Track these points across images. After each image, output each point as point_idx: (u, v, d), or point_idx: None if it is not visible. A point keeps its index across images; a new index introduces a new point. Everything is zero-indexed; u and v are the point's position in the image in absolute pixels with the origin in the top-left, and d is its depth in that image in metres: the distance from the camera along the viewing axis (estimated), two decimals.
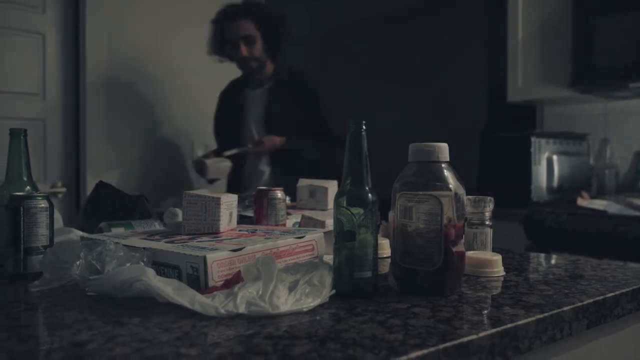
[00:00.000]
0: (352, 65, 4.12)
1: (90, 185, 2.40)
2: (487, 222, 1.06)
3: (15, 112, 2.32)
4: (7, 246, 0.90)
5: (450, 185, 0.81)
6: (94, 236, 0.96)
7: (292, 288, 0.74)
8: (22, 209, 0.89)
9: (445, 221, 0.79)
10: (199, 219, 0.97)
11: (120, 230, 1.09)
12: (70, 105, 2.50)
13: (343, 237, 0.81)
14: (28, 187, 1.01)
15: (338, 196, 0.81)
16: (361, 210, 0.79)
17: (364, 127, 0.81)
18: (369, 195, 0.80)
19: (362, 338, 0.61)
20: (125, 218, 1.21)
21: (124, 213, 1.25)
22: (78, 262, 0.79)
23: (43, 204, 0.91)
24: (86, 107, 2.45)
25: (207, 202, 0.97)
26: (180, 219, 1.13)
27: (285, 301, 0.71)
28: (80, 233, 1.08)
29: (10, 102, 2.33)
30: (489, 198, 1.06)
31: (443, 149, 0.83)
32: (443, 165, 0.83)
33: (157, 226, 1.13)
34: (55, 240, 0.95)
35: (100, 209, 1.27)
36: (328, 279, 0.77)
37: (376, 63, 3.87)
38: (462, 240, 0.83)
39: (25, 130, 1.03)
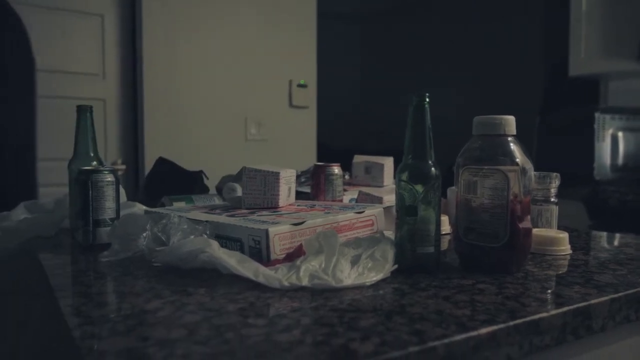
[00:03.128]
0: (409, 42, 4.05)
1: (148, 163, 2.46)
2: (552, 199, 1.02)
3: (76, 92, 2.40)
4: (77, 218, 0.94)
5: (517, 160, 0.78)
6: (158, 210, 0.98)
7: (354, 262, 0.74)
8: (90, 183, 0.92)
9: (511, 196, 0.77)
10: (258, 193, 0.98)
11: (181, 204, 1.11)
12: (129, 85, 2.56)
13: (405, 212, 0.79)
14: (95, 162, 1.05)
15: (400, 170, 0.80)
16: (423, 185, 0.78)
17: (427, 99, 0.79)
18: (432, 169, 0.78)
19: (429, 313, 0.60)
20: (185, 193, 1.24)
21: (184, 188, 1.28)
22: (144, 234, 0.81)
23: (110, 177, 0.94)
24: (144, 86, 2.51)
25: (267, 177, 0.98)
26: (238, 193, 1.14)
27: (348, 275, 0.70)
28: (143, 207, 1.11)
29: (72, 83, 2.40)
30: (554, 174, 1.03)
31: (510, 122, 0.80)
32: (509, 139, 0.80)
33: (217, 201, 1.14)
34: (121, 213, 0.98)
35: (161, 184, 1.30)
36: (390, 253, 0.76)
37: (432, 40, 3.79)
38: (529, 216, 0.80)
39: (91, 107, 1.06)
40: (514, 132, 0.80)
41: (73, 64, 2.42)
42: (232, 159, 2.42)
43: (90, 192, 0.92)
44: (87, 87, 2.44)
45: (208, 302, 0.63)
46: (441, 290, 0.69)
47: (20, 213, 1.16)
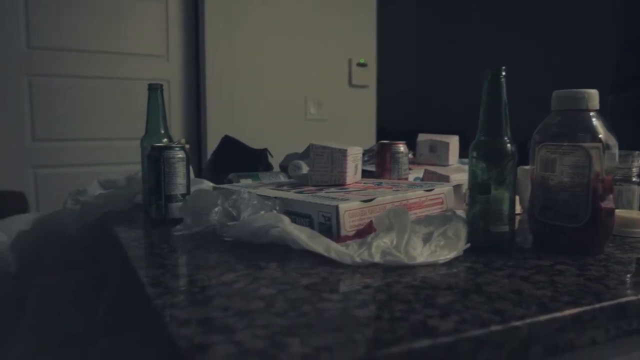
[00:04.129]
0: (470, 17, 3.93)
1: (210, 142, 2.51)
2: (634, 179, 0.97)
3: (142, 73, 2.47)
4: (150, 194, 0.97)
5: (600, 136, 0.74)
6: (226, 186, 1.00)
7: (426, 240, 0.73)
8: (162, 159, 0.94)
9: (592, 175, 0.73)
10: (325, 170, 0.97)
11: (248, 181, 1.13)
12: (192, 67, 2.61)
13: (478, 189, 0.77)
14: (165, 139, 1.07)
15: (473, 147, 0.77)
16: (498, 163, 0.75)
17: (503, 73, 0.76)
18: (508, 146, 0.76)
19: (507, 292, 0.58)
20: (250, 170, 1.25)
21: (249, 166, 1.30)
22: (216, 209, 0.82)
23: (180, 154, 0.96)
24: (206, 68, 2.55)
25: (334, 154, 0.97)
26: (304, 171, 1.14)
27: (421, 252, 0.69)
28: (210, 184, 1.13)
29: (138, 64, 2.47)
30: (637, 152, 0.97)
31: (593, 96, 0.76)
32: (592, 114, 0.76)
33: (282, 178, 1.15)
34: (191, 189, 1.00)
35: (226, 161, 1.32)
36: (463, 231, 0.75)
37: (504, 15, 3.66)
38: (611, 196, 0.76)
39: (162, 85, 1.08)
40: (597, 107, 0.76)
41: (139, 46, 2.48)
42: (292, 139, 2.44)
43: (162, 168, 0.94)
44: (152, 68, 2.50)
45: (281, 276, 0.64)
46: (517, 270, 0.67)
47: (95, 188, 1.21)
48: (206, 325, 0.49)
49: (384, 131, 2.98)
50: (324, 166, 0.97)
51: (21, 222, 1.19)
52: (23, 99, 2.22)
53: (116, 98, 2.40)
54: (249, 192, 0.86)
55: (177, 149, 0.96)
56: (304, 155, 1.28)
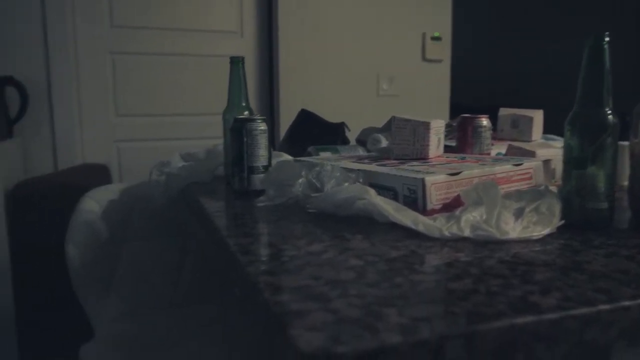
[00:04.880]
0: None
1: (283, 117, 2.53)
2: None
3: (216, 49, 2.51)
4: (232, 166, 0.98)
5: None
6: (307, 159, 1.00)
7: (517, 215, 0.70)
8: (244, 131, 0.95)
9: None
10: (407, 144, 0.95)
11: (327, 154, 1.12)
12: (265, 43, 2.62)
13: (573, 164, 0.73)
14: (246, 112, 1.08)
15: (571, 119, 0.73)
16: (597, 135, 0.70)
17: (606, 39, 0.71)
18: (610, 117, 0.71)
19: (611, 272, 0.55)
20: (327, 144, 1.25)
21: (326, 139, 1.29)
22: (300, 181, 0.82)
23: (262, 126, 0.97)
24: (279, 44, 2.55)
25: (416, 127, 0.95)
26: (383, 145, 1.13)
27: (513, 227, 0.66)
28: (289, 157, 1.14)
29: (213, 40, 2.51)
30: None
31: None
32: None
33: (361, 152, 1.14)
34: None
35: (303, 135, 1.32)
36: (557, 207, 0.71)
37: None
38: None
39: (243, 58, 1.09)
40: None
41: (214, 23, 2.51)
42: (364, 115, 2.42)
43: (245, 140, 0.95)
44: (227, 44, 2.53)
45: (369, 247, 0.63)
46: (620, 249, 0.63)
47: (177, 161, 1.25)
48: (300, 293, 0.49)
49: (457, 107, 2.89)
50: (406, 139, 0.95)
51: (110, 192, 1.25)
52: (107, 76, 2.31)
53: (193, 74, 2.45)
54: (331, 164, 0.85)
55: (259, 121, 0.96)
56: (384, 129, 1.26)
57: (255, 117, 0.97)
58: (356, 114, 2.38)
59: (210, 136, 2.32)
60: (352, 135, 1.44)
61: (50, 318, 1.74)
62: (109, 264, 1.18)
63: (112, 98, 2.32)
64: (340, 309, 0.45)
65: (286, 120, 2.30)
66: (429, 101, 2.86)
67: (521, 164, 0.86)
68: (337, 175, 0.82)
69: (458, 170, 0.80)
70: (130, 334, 1.09)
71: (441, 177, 0.76)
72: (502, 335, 0.42)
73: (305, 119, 1.34)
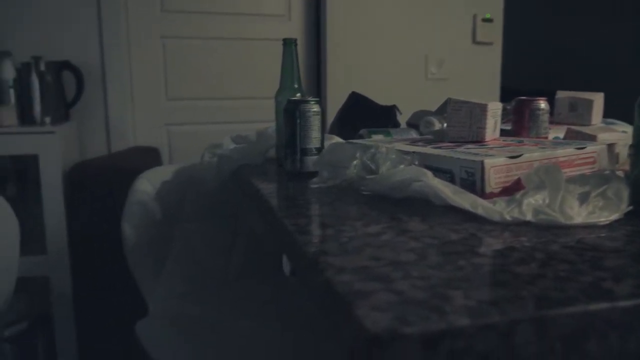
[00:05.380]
0: None
1: (330, 101, 2.52)
2: None
3: (265, 33, 2.51)
4: (285, 147, 0.98)
5: None
6: (360, 141, 0.99)
7: (582, 200, 0.67)
8: (298, 113, 0.95)
9: None
10: (463, 126, 0.93)
11: (379, 137, 1.11)
12: (313, 26, 2.61)
13: None
14: (299, 93, 1.08)
15: None
16: None
17: None
18: None
19: None
20: (378, 127, 1.23)
21: (376, 122, 1.28)
22: (354, 163, 0.82)
23: (316, 108, 0.96)
24: (327, 27, 2.54)
25: (473, 109, 0.93)
26: (436, 128, 1.11)
27: (578, 212, 0.64)
28: (340, 139, 1.13)
29: (261, 24, 2.51)
30: None
31: None
32: None
33: (414, 135, 1.12)
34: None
35: (354, 118, 1.31)
36: (625, 193, 0.68)
37: None
38: None
39: (296, 40, 1.08)
40: None
41: (262, 6, 2.52)
42: (411, 99, 2.39)
43: (298, 121, 0.95)
44: (274, 28, 2.53)
45: (427, 230, 0.62)
46: None
47: (228, 143, 1.26)
48: (362, 273, 0.48)
49: (507, 91, 2.81)
50: (462, 122, 0.93)
51: (163, 173, 1.27)
52: (158, 61, 2.35)
53: (241, 58, 2.47)
54: (386, 146, 0.84)
55: (313, 102, 0.96)
56: (439, 111, 1.24)
57: (308, 99, 0.96)
58: (404, 98, 2.35)
59: (258, 120, 2.34)
60: (402, 119, 1.42)
61: (106, 295, 1.80)
62: (163, 244, 1.21)
63: (163, 82, 2.36)
64: (404, 290, 0.44)
65: (333, 104, 2.28)
66: (479, 85, 2.79)
67: (584, 148, 0.83)
68: (392, 158, 0.81)
69: (518, 153, 0.77)
70: (183, 313, 1.11)
71: (501, 160, 0.74)
72: (574, 322, 0.41)
73: (356, 101, 1.33)
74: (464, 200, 0.68)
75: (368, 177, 0.79)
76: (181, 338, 0.99)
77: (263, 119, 2.31)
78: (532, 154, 0.77)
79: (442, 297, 0.43)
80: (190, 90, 2.40)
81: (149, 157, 2.16)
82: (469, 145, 0.88)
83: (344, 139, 1.17)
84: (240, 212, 1.29)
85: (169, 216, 1.23)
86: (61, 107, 2.04)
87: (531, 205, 0.65)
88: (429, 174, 0.72)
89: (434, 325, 0.38)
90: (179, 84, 2.38)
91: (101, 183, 1.79)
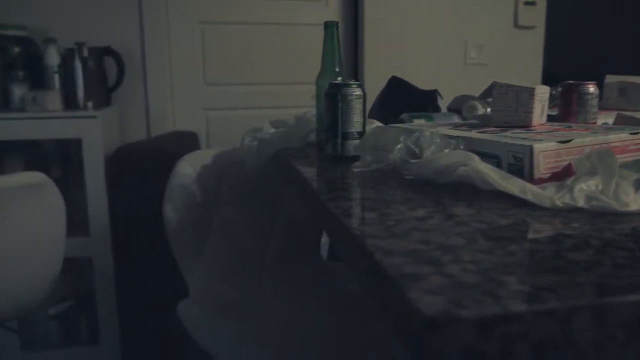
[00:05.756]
0: None
1: (369, 85, 2.49)
2: None
3: (302, 18, 2.50)
4: (326, 131, 0.98)
5: None
6: (402, 125, 0.98)
7: (637, 186, 0.65)
8: (339, 96, 0.95)
9: None
10: (509, 110, 0.91)
11: (421, 121, 1.10)
12: (350, 10, 2.59)
13: None
14: (340, 77, 1.07)
15: None
16: None
17: None
18: None
19: None
20: (418, 112, 1.22)
21: (417, 107, 1.26)
22: (398, 146, 0.81)
23: (358, 91, 0.95)
24: (365, 11, 2.51)
25: (520, 93, 0.90)
26: (480, 113, 1.08)
27: (634, 199, 0.62)
28: (380, 124, 1.12)
29: (298, 9, 2.50)
30: None
31: None
32: None
33: (457, 119, 1.10)
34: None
35: (394, 102, 1.29)
36: None
37: None
38: None
39: (337, 23, 1.07)
40: None
41: None
42: (450, 84, 2.35)
43: (340, 105, 0.95)
44: (312, 13, 2.52)
45: (475, 215, 0.61)
46: None
47: (268, 128, 1.26)
48: (412, 256, 0.48)
49: (549, 77, 2.73)
50: (508, 106, 0.91)
51: (204, 157, 1.29)
52: (196, 46, 2.37)
53: (277, 43, 2.47)
54: (430, 130, 0.83)
55: (355, 86, 0.95)
56: (482, 96, 1.21)
57: (350, 82, 0.96)
58: (442, 83, 2.31)
59: (294, 105, 2.34)
60: (442, 104, 1.40)
61: (146, 276, 1.84)
62: (203, 226, 1.23)
63: (202, 67, 2.38)
64: (455, 274, 0.43)
65: (370, 89, 2.26)
66: (520, 70, 2.73)
67: (639, 133, 0.80)
68: (436, 142, 0.79)
69: (568, 138, 0.75)
70: (223, 295, 1.13)
71: (551, 145, 0.72)
72: (636, 310, 0.39)
73: (396, 86, 1.31)
74: (513, 185, 0.66)
75: (412, 161, 0.78)
76: (222, 320, 1.00)
77: (299, 104, 2.31)
78: (583, 139, 0.75)
79: (495, 281, 0.42)
80: (228, 75, 2.42)
81: (187, 141, 2.19)
82: (516, 130, 0.86)
83: (383, 123, 1.16)
84: (279, 196, 1.29)
85: (208, 199, 1.24)
86: (103, 92, 2.08)
87: (583, 191, 0.63)
88: (476, 158, 0.71)
89: (489, 309, 0.38)
90: (217, 70, 2.39)
91: (142, 167, 1.82)
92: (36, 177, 1.13)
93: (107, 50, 2.08)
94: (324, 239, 1.47)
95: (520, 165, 0.72)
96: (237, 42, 2.41)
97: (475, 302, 0.38)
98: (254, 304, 1.04)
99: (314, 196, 0.74)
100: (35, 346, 1.99)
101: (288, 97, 2.46)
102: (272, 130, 1.23)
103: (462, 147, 0.79)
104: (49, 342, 2.08)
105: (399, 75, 1.45)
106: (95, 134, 1.81)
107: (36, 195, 1.12)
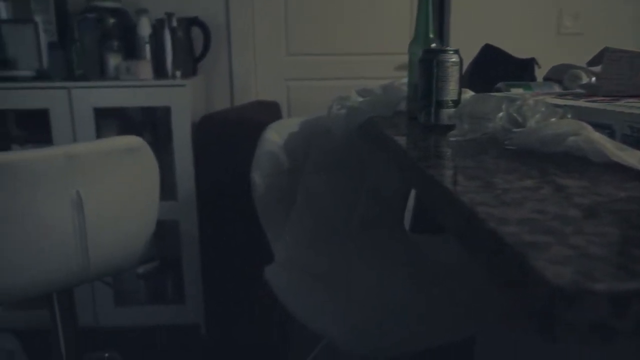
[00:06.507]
0: None
1: None
2: None
3: None
4: (419, 99, 0.95)
5: None
6: (500, 94, 0.94)
7: None
8: (435, 63, 0.91)
9: None
10: (621, 78, 0.85)
11: (518, 91, 1.05)
12: None
13: None
14: (434, 44, 1.03)
15: None
16: None
17: None
18: None
19: None
20: (513, 80, 1.16)
21: (511, 76, 1.20)
22: (500, 115, 0.77)
23: (454, 58, 0.92)
24: None
25: (635, 59, 0.83)
26: (584, 81, 1.02)
27: None
28: (473, 93, 1.08)
29: None
30: None
31: None
32: None
33: (557, 89, 1.04)
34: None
35: (487, 71, 1.24)
36: None
37: None
38: None
39: None
40: None
41: None
42: (541, 55, 2.23)
43: (435, 72, 0.92)
44: None
45: (589, 187, 0.57)
46: None
47: (355, 96, 1.25)
48: (528, 225, 0.45)
49: None
50: (620, 73, 0.85)
51: (291, 124, 1.29)
52: (279, 17, 2.38)
53: (361, 13, 2.43)
54: (534, 98, 0.78)
55: (451, 52, 0.92)
56: (590, 64, 1.14)
57: (446, 49, 0.92)
58: (532, 53, 2.20)
59: (376, 76, 2.31)
60: (538, 74, 1.33)
61: (230, 241, 1.90)
62: (290, 193, 1.24)
63: (284, 38, 2.39)
64: (580, 245, 0.41)
65: None
66: (619, 40, 2.54)
67: None
68: (541, 110, 0.75)
69: None
70: (309, 262, 1.14)
71: None
72: None
73: (490, 54, 1.26)
74: (631, 157, 0.62)
75: (515, 130, 0.75)
76: (309, 287, 1.01)
77: (381, 75, 2.28)
78: None
79: (626, 255, 0.39)
80: (310, 45, 2.41)
81: (270, 110, 2.22)
82: (630, 100, 0.80)
83: (476, 92, 1.11)
84: (365, 165, 1.28)
85: (295, 167, 1.25)
86: (190, 62, 2.13)
87: None
88: (589, 127, 0.66)
89: (625, 284, 0.35)
90: (299, 40, 2.40)
91: (227, 135, 1.87)
92: (134, 140, 1.18)
93: (195, 21, 2.13)
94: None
95: (637, 136, 0.67)
96: (320, 11, 2.40)
97: (608, 276, 0.36)
98: (340, 271, 1.05)
99: (412, 164, 0.73)
100: (127, 302, 2.12)
101: (370, 68, 2.42)
102: (360, 99, 1.22)
103: (569, 116, 0.74)
104: (138, 299, 2.21)
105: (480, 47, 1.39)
106: (184, 102, 1.87)
107: (134, 158, 1.17)
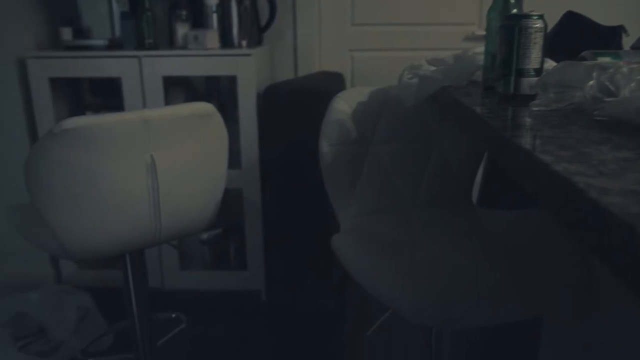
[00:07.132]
0: None
1: None
2: None
3: None
4: (499, 67, 0.92)
5: None
6: (586, 63, 0.88)
7: None
8: (517, 29, 0.87)
9: None
10: None
11: (606, 59, 0.99)
12: None
13: None
14: (515, 9, 0.99)
15: None
16: None
17: None
18: None
19: None
20: (598, 49, 1.09)
21: (595, 45, 1.13)
22: (590, 83, 0.73)
23: (539, 24, 0.87)
24: None
25: None
26: None
27: None
28: (553, 63, 1.03)
29: None
30: None
31: None
32: None
33: None
34: None
35: (568, 40, 1.18)
36: None
37: None
38: None
39: None
40: None
41: None
42: (628, 22, 2.10)
43: (517, 39, 0.88)
44: None
45: None
46: None
47: (426, 65, 1.22)
48: (632, 196, 0.43)
49: None
50: None
51: (359, 94, 1.28)
52: None
53: None
54: (628, 67, 0.74)
55: (536, 17, 0.87)
56: None
57: (530, 13, 0.88)
58: (618, 22, 2.08)
59: (442, 47, 2.23)
60: (626, 43, 1.24)
61: (292, 208, 1.92)
62: (358, 163, 1.23)
63: (349, 7, 2.35)
64: None
65: None
66: None
67: None
68: (637, 78, 0.70)
69: None
70: (376, 232, 1.13)
71: None
72: None
73: (573, 21, 1.19)
74: None
75: (606, 99, 0.71)
76: (377, 257, 1.01)
77: (447, 46, 2.21)
78: None
79: None
80: (375, 15, 2.36)
81: (334, 81, 2.20)
82: None
83: (556, 61, 1.06)
84: (434, 137, 1.25)
85: (364, 137, 1.24)
86: (255, 32, 2.14)
87: None
88: None
89: None
90: (364, 10, 2.35)
91: (292, 104, 1.87)
92: (205, 107, 1.19)
93: None
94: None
95: None
96: None
97: None
98: (407, 244, 1.04)
99: (496, 134, 0.70)
100: (191, 267, 2.19)
101: (437, 38, 2.36)
102: (432, 68, 1.19)
103: None
104: (202, 264, 2.28)
105: (559, 10, 1.31)
106: (249, 71, 1.88)
107: (205, 124, 1.19)
